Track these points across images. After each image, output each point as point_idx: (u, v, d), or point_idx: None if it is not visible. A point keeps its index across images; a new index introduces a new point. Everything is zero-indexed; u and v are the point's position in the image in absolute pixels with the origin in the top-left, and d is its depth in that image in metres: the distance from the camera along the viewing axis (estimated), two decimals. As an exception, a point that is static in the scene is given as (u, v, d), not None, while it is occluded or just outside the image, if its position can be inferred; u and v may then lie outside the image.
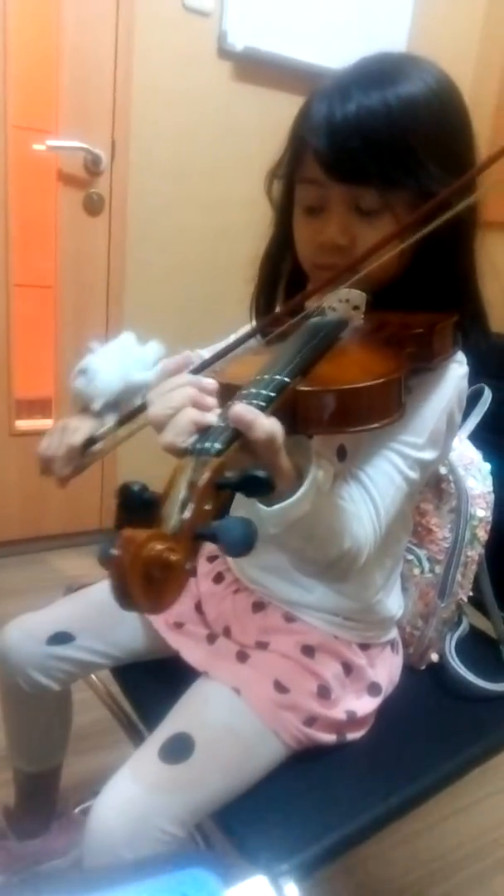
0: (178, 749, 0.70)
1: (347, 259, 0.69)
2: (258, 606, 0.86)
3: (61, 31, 1.69)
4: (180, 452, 0.47)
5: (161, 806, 0.67)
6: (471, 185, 0.62)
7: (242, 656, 0.81)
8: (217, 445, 0.45)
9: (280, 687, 0.77)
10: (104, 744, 1.38)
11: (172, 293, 2.02)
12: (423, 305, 0.70)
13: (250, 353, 0.66)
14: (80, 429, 0.83)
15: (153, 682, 0.90)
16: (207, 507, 0.41)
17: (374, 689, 0.84)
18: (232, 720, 0.74)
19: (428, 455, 0.71)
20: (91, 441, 0.82)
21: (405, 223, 0.63)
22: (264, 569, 0.86)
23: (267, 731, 0.74)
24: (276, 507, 0.52)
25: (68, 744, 1.02)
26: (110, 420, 0.86)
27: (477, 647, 0.99)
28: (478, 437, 0.99)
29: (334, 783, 0.77)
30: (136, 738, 0.94)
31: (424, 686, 0.95)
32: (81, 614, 0.92)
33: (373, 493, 0.66)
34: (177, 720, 0.75)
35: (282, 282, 0.83)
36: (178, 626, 0.88)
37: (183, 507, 0.40)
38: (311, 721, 0.77)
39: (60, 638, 0.88)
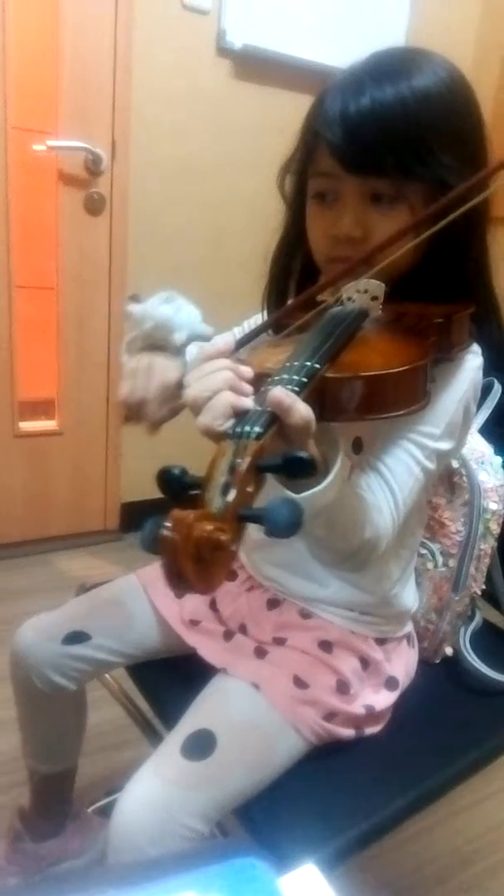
0: (201, 745, 0.70)
1: (361, 251, 0.69)
2: (273, 603, 0.86)
3: (60, 32, 1.69)
4: (217, 436, 0.47)
5: (185, 802, 0.67)
6: (486, 179, 0.62)
7: (260, 652, 0.81)
8: (257, 429, 0.45)
9: (299, 682, 0.77)
10: (116, 742, 1.38)
11: (175, 290, 2.01)
12: (436, 296, 0.70)
13: (270, 344, 0.66)
14: (170, 366, 0.78)
15: (169, 679, 0.90)
16: (249, 490, 0.41)
17: (391, 683, 0.84)
18: (253, 716, 0.74)
19: (445, 446, 0.71)
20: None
21: (422, 215, 0.63)
22: (278, 565, 0.86)
23: (287, 727, 0.74)
24: (306, 493, 0.53)
25: (83, 743, 1.02)
26: (181, 361, 0.81)
27: (491, 640, 0.99)
28: (488, 432, 0.99)
29: (354, 777, 0.78)
30: (152, 735, 0.94)
31: (439, 680, 0.95)
32: (96, 613, 0.92)
33: (392, 483, 0.66)
34: (198, 717, 0.74)
35: (294, 277, 0.83)
36: (194, 623, 0.88)
37: (225, 490, 0.40)
38: (330, 716, 0.77)
39: (76, 637, 0.88)
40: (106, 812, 1.22)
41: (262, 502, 0.43)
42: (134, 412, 0.77)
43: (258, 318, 0.92)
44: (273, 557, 0.86)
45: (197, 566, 0.36)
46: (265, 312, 0.85)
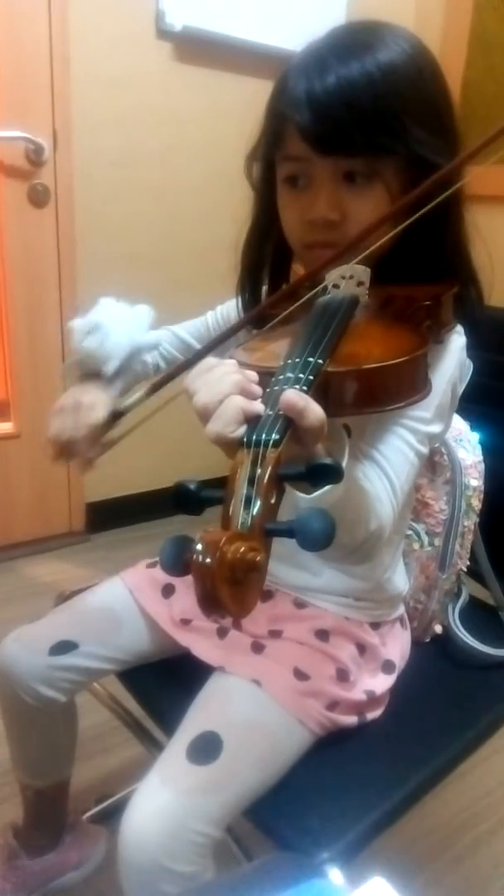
0: (207, 748, 0.69)
1: (339, 234, 0.68)
2: (266, 595, 0.84)
3: (-9, 16, 1.61)
4: (230, 444, 0.45)
5: (196, 808, 0.65)
6: (472, 156, 0.60)
7: (258, 647, 0.80)
8: (274, 436, 0.43)
9: (300, 674, 0.76)
10: (103, 748, 1.35)
11: (127, 282, 1.94)
12: (417, 277, 0.69)
13: (262, 339, 0.63)
14: (98, 402, 0.75)
15: (164, 682, 0.88)
16: (272, 502, 0.39)
17: (388, 666, 0.84)
18: (257, 713, 0.73)
19: (436, 428, 0.70)
20: (117, 414, 0.74)
21: (408, 198, 0.61)
22: (274, 557, 0.84)
23: (292, 721, 0.73)
24: (316, 493, 0.51)
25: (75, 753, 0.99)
26: (117, 387, 0.79)
27: (478, 616, 1.00)
28: (461, 408, 1.00)
29: (361, 764, 0.77)
30: (146, 740, 0.92)
31: (431, 658, 0.95)
32: (82, 620, 0.89)
33: (388, 471, 0.65)
34: (200, 719, 0.73)
35: (267, 265, 0.81)
36: (186, 622, 0.86)
37: (248, 503, 0.38)
38: (333, 705, 0.77)
39: (63, 647, 0.85)
40: (99, 819, 1.20)
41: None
42: (64, 451, 0.75)
43: (230, 306, 0.90)
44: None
45: (233, 590, 0.34)
46: (240, 302, 0.83)
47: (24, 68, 1.67)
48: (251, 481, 0.40)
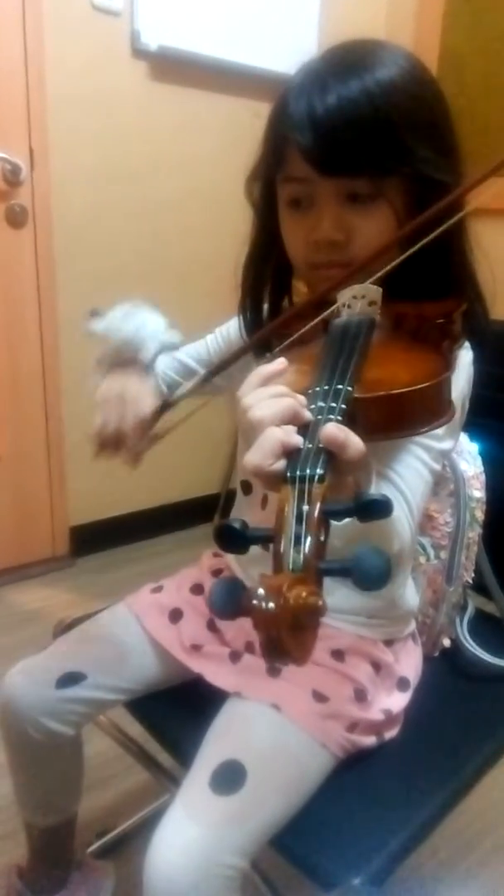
0: (230, 778, 0.67)
1: (345, 254, 0.68)
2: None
3: (-36, 36, 1.60)
4: (269, 477, 0.43)
5: (224, 841, 0.63)
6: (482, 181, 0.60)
7: (273, 671, 0.78)
8: (319, 471, 0.42)
9: (319, 696, 0.75)
10: (102, 778, 1.32)
11: (107, 300, 1.94)
12: (423, 293, 0.69)
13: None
14: (144, 392, 0.72)
15: (175, 710, 0.86)
16: (322, 539, 0.38)
17: (403, 683, 0.83)
18: (279, 739, 0.71)
19: (448, 445, 0.70)
20: (166, 405, 0.71)
21: (415, 223, 0.60)
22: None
23: (315, 744, 0.72)
24: (345, 520, 0.50)
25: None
26: (152, 378, 0.76)
27: (485, 628, 1.00)
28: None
29: (383, 784, 0.76)
30: (154, 769, 0.90)
31: (441, 672, 0.95)
32: (88, 651, 0.86)
33: (405, 491, 0.65)
34: (220, 747, 0.71)
35: (268, 284, 0.80)
36: (196, 648, 0.84)
37: (298, 541, 0.37)
38: (352, 726, 0.75)
39: (70, 679, 0.82)
40: (102, 854, 1.16)
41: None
42: (110, 445, 0.72)
43: (230, 326, 0.89)
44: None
45: (296, 635, 0.33)
46: (242, 323, 0.82)
47: (0, 88, 1.66)
48: (299, 518, 0.38)
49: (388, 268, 0.60)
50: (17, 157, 1.70)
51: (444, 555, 0.95)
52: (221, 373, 0.72)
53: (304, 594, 0.33)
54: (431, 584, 0.95)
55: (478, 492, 0.96)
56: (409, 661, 0.86)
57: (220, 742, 0.72)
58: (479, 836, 1.27)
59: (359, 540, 0.55)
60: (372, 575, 0.36)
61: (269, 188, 0.73)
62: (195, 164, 2.03)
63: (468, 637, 0.96)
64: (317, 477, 0.41)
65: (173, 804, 0.67)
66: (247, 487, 0.88)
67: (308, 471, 0.42)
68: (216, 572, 0.93)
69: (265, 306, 0.82)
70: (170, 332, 0.84)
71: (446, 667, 0.96)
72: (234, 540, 0.40)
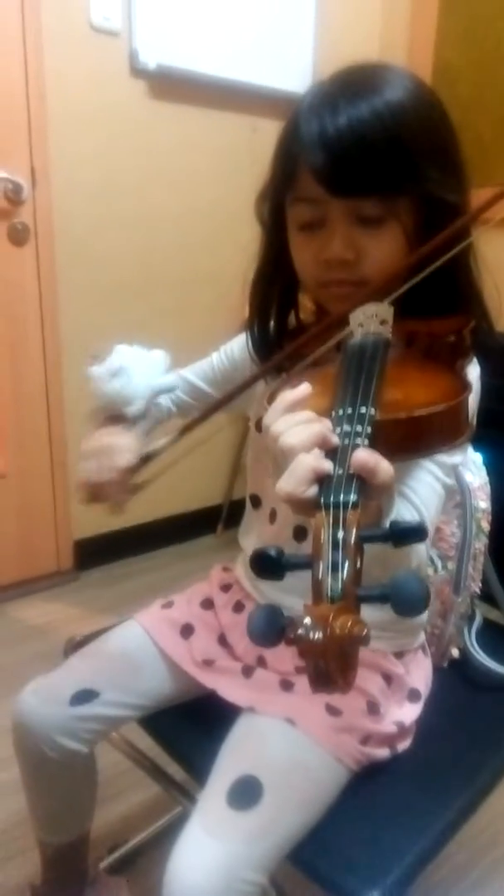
0: (248, 794, 0.67)
1: (355, 273, 0.69)
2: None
3: (-35, 58, 1.62)
4: (302, 504, 0.44)
5: (244, 857, 0.64)
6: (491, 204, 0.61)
7: (286, 685, 0.79)
8: (353, 497, 0.42)
9: (332, 710, 0.75)
10: (113, 793, 1.31)
11: (109, 316, 1.97)
12: (430, 309, 0.70)
13: (296, 383, 0.62)
14: (126, 446, 0.76)
15: (187, 726, 0.86)
16: (359, 566, 0.39)
17: (413, 695, 0.84)
18: (294, 753, 0.72)
19: (458, 458, 0.71)
20: (146, 458, 0.74)
21: (428, 247, 0.61)
22: (289, 591, 0.83)
23: (329, 758, 0.73)
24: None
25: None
26: (140, 429, 0.80)
27: (493, 637, 1.00)
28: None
29: (397, 796, 0.76)
30: (166, 783, 0.91)
31: (451, 683, 0.95)
32: (101, 668, 0.86)
33: (419, 506, 0.66)
34: (236, 763, 0.71)
35: (275, 302, 0.81)
36: (208, 663, 0.85)
37: (335, 568, 0.38)
38: (366, 739, 0.76)
39: (84, 696, 0.83)
40: (114, 869, 1.16)
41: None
42: (94, 495, 0.76)
43: (238, 343, 0.90)
44: (283, 584, 0.83)
45: (342, 664, 0.34)
46: (249, 341, 0.83)
47: (1, 108, 1.68)
48: (336, 545, 0.39)
49: (403, 289, 0.61)
50: (19, 176, 1.72)
51: (451, 566, 0.96)
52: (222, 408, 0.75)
53: (349, 623, 0.34)
54: (440, 595, 0.96)
55: (483, 502, 0.97)
56: (420, 673, 0.86)
57: (235, 758, 0.72)
58: (492, 841, 1.27)
59: (378, 558, 0.56)
60: (411, 601, 0.36)
61: (278, 208, 0.74)
62: (194, 181, 2.05)
63: (476, 647, 0.97)
64: (351, 503, 0.42)
65: (190, 821, 0.67)
66: (256, 501, 0.89)
67: (342, 497, 0.42)
68: (226, 587, 0.93)
69: (272, 324, 0.83)
70: (165, 376, 0.86)
71: (455, 677, 0.96)
72: (270, 567, 0.41)
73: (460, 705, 0.92)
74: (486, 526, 0.98)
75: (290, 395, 0.52)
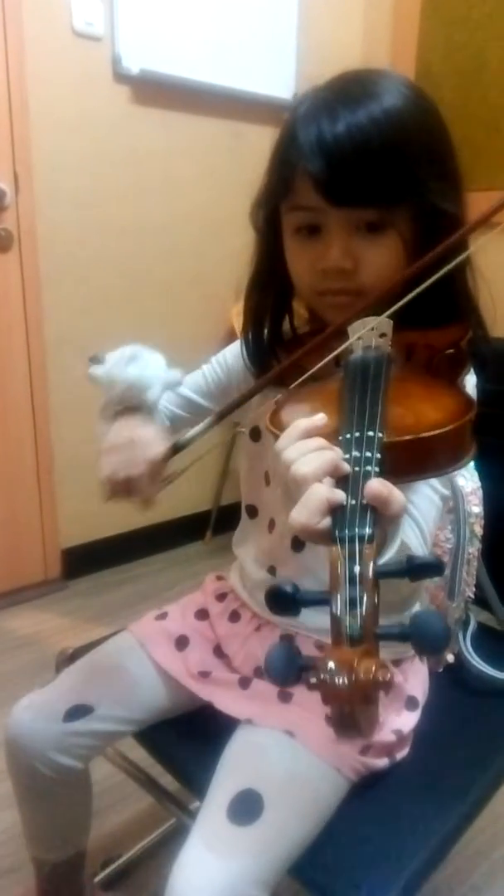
0: (248, 808, 0.67)
1: (352, 282, 0.68)
2: (285, 640, 0.83)
3: None
4: (315, 536, 0.43)
5: (245, 872, 0.63)
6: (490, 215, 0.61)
7: (285, 696, 0.78)
8: (367, 530, 0.41)
9: (331, 720, 0.75)
10: (104, 807, 1.30)
11: (95, 323, 1.95)
12: (426, 321, 0.69)
13: (296, 401, 0.60)
14: (153, 437, 0.71)
15: (185, 739, 0.85)
16: (376, 601, 0.37)
17: (411, 703, 0.83)
18: (294, 766, 0.71)
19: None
20: (177, 447, 0.70)
21: (425, 260, 0.60)
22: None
23: (329, 769, 0.72)
24: None
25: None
26: (158, 419, 0.77)
27: (489, 642, 1.00)
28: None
29: (397, 806, 0.76)
30: (161, 795, 0.90)
31: (447, 688, 0.95)
32: (95, 682, 0.85)
33: (419, 520, 0.65)
34: (236, 777, 0.70)
35: (269, 310, 0.81)
36: (204, 675, 0.84)
37: (354, 605, 0.37)
38: (365, 749, 0.75)
39: (78, 712, 0.81)
40: (108, 885, 1.15)
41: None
42: (121, 491, 0.71)
43: (231, 351, 0.89)
44: None
45: (365, 708, 0.33)
46: (245, 350, 0.82)
47: (-18, 115, 1.66)
48: (353, 580, 0.38)
49: (403, 301, 0.60)
50: (2, 181, 1.70)
51: (445, 571, 0.96)
52: (236, 409, 0.72)
53: (373, 668, 0.33)
54: (434, 600, 0.96)
55: (476, 507, 0.97)
56: (417, 680, 0.86)
57: (234, 771, 0.72)
58: (490, 845, 1.27)
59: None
60: (433, 642, 0.35)
61: (274, 215, 0.73)
62: (179, 186, 2.04)
63: (472, 652, 0.97)
64: (366, 536, 0.41)
65: (190, 837, 0.66)
66: (252, 511, 0.88)
67: (357, 531, 0.41)
68: (220, 596, 0.92)
69: (266, 331, 0.82)
70: (171, 370, 0.84)
71: (450, 682, 0.96)
72: (286, 604, 0.40)
73: (457, 711, 0.92)
74: (479, 531, 0.98)
75: (304, 422, 0.50)
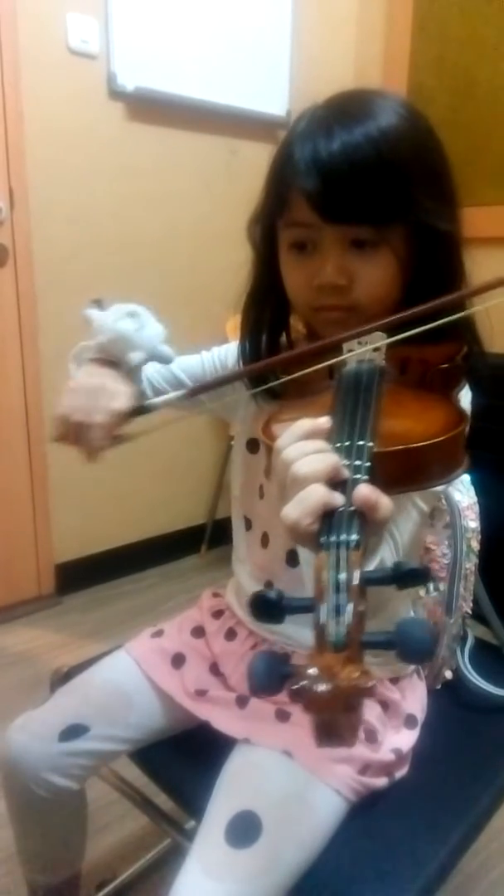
0: (246, 830, 0.66)
1: (347, 298, 0.68)
2: (283, 658, 0.82)
3: None
4: (304, 537, 0.42)
5: (243, 897, 0.62)
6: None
7: (282, 715, 0.77)
8: (354, 536, 0.41)
9: (330, 740, 0.74)
10: (98, 827, 1.28)
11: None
12: (422, 336, 0.70)
13: (289, 410, 0.60)
14: (121, 391, 0.70)
15: (181, 758, 0.84)
16: (361, 609, 0.37)
17: (410, 721, 0.83)
18: (292, 786, 0.70)
19: (439, 486, 0.71)
20: (141, 409, 0.68)
21: (428, 306, 0.61)
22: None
23: (328, 790, 0.71)
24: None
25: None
26: (132, 384, 0.74)
27: (486, 658, 1.00)
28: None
29: (397, 826, 0.75)
30: (157, 816, 0.88)
31: (445, 706, 0.94)
32: (90, 701, 0.84)
33: (394, 532, 0.65)
34: (233, 798, 0.70)
35: (267, 324, 0.81)
36: (201, 694, 0.83)
37: (338, 612, 0.36)
38: (364, 769, 0.75)
39: (73, 732, 0.80)
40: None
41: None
42: (71, 434, 0.69)
43: (229, 351, 0.88)
44: None
45: (348, 716, 0.32)
46: (241, 361, 0.82)
47: (-22, 131, 1.67)
48: (337, 588, 0.37)
49: (405, 335, 0.60)
50: (-3, 197, 1.71)
51: (442, 587, 0.95)
52: (209, 392, 0.72)
53: (355, 675, 0.32)
54: (431, 616, 0.95)
55: (472, 522, 0.97)
56: (415, 697, 0.85)
57: (232, 793, 0.71)
58: (494, 859, 1.26)
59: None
60: (418, 649, 0.35)
61: (270, 231, 0.74)
62: (173, 202, 2.05)
63: (470, 668, 0.96)
64: (353, 543, 0.40)
65: (188, 861, 0.66)
66: (248, 523, 0.88)
67: (343, 536, 0.41)
68: (217, 613, 0.92)
69: (263, 345, 0.82)
70: (164, 346, 0.81)
71: (449, 699, 0.95)
72: (269, 611, 0.39)
73: (456, 729, 0.91)
74: (475, 545, 0.97)
75: (308, 423, 0.50)
